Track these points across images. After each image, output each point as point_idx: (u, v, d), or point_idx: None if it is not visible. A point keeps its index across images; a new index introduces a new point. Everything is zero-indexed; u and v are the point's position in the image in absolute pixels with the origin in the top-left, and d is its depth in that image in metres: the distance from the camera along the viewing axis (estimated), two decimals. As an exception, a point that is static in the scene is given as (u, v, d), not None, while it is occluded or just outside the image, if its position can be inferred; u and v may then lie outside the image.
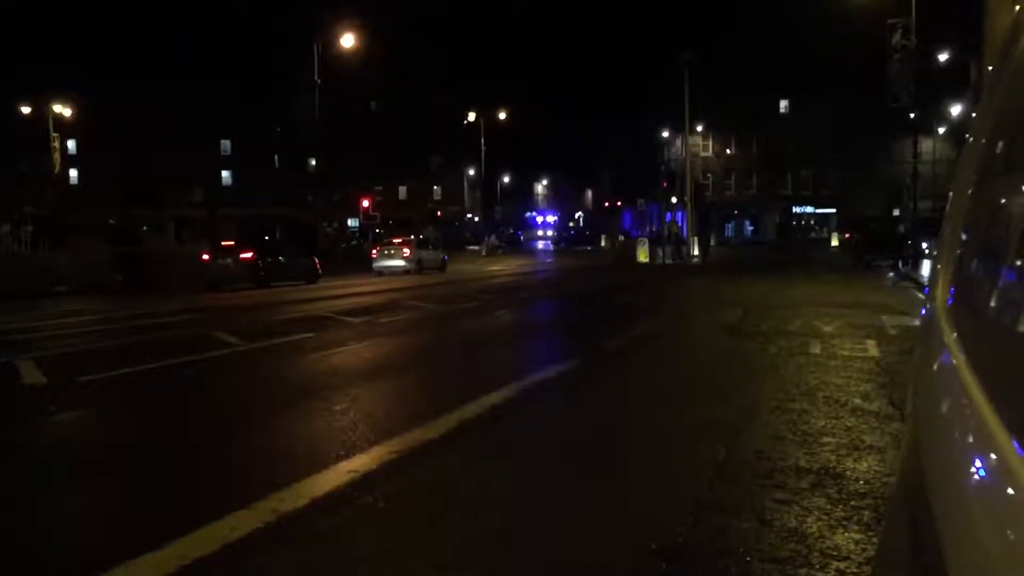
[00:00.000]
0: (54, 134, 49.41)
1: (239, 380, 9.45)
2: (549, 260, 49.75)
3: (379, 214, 55.64)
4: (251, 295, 23.49)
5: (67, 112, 53.09)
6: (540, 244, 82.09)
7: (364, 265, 35.32)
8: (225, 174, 79.76)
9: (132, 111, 67.07)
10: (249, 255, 27.13)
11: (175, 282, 27.83)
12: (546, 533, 4.19)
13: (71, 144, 67.86)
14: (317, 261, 30.60)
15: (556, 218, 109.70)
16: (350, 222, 69.57)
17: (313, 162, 53.47)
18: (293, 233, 42.22)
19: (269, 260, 27.92)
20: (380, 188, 75.00)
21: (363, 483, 4.93)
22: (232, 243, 28.30)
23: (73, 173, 72.67)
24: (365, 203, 51.02)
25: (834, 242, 64.21)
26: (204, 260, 27.74)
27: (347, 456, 5.52)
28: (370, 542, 4.11)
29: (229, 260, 27.07)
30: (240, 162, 78.48)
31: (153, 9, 75.57)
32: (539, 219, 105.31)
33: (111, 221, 42.36)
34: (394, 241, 36.51)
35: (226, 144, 79.53)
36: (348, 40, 39.03)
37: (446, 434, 6.13)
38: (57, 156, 50.28)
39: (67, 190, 64.07)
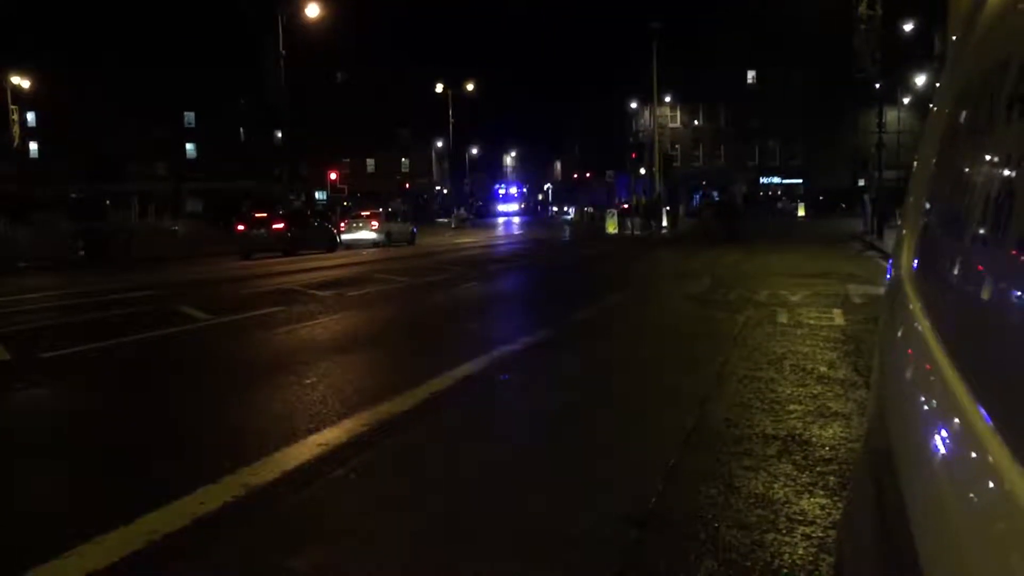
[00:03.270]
0: (12, 106, 48.40)
1: (207, 355, 9.38)
2: (518, 232, 49.71)
3: (347, 187, 55.24)
4: (221, 269, 23.28)
5: (26, 84, 51.96)
6: (502, 219, 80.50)
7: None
8: (189, 147, 78.42)
9: (93, 82, 65.68)
10: (281, 226, 29.53)
11: (140, 257, 27.55)
12: (516, 502, 4.21)
13: (31, 116, 66.55)
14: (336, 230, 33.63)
15: (523, 190, 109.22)
16: (318, 195, 68.95)
17: (279, 134, 52.84)
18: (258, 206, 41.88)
19: (296, 230, 30.11)
20: (348, 161, 74.45)
21: (333, 456, 4.93)
22: (265, 215, 30.43)
23: (33, 146, 71.26)
24: (333, 176, 50.62)
25: (800, 212, 64.78)
26: (239, 231, 29.84)
27: (317, 429, 5.51)
28: (341, 515, 4.11)
29: (263, 231, 29.25)
30: (204, 134, 77.10)
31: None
32: (501, 191, 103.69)
33: (73, 195, 41.56)
34: (363, 214, 36.30)
35: (190, 116, 78.08)
36: (313, 10, 38.48)
37: (416, 406, 6.13)
38: (16, 129, 49.28)
39: (27, 164, 62.84)
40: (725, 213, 35.36)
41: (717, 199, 38.44)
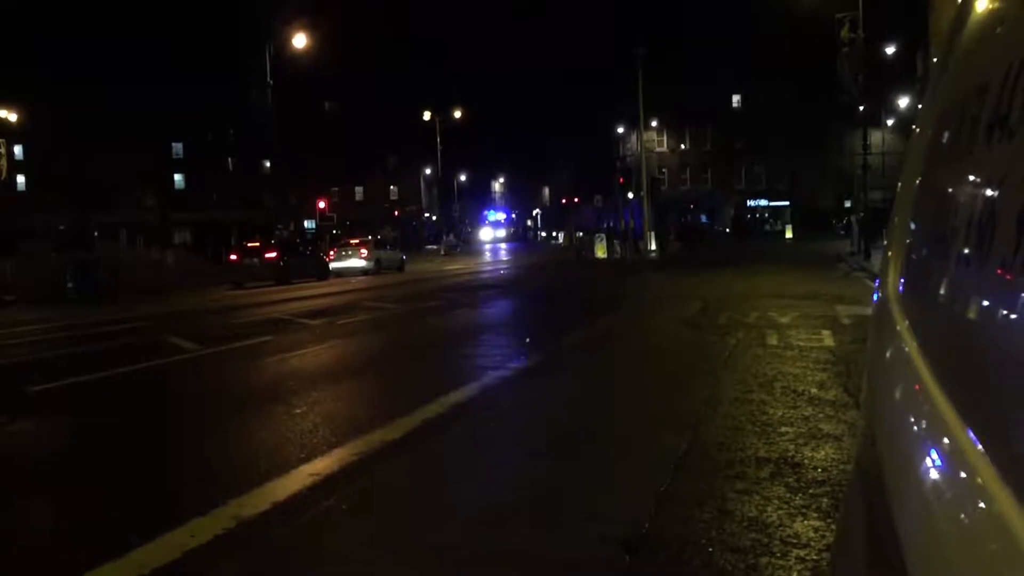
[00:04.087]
0: (0, 139, 48.29)
1: (197, 386, 9.33)
2: (507, 258, 49.76)
3: (336, 215, 55.28)
4: (215, 297, 23.21)
5: (12, 117, 51.92)
6: (488, 246, 79.41)
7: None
8: (178, 177, 78.39)
9: (81, 115, 65.69)
10: (274, 255, 29.38)
11: (129, 288, 27.44)
12: (509, 528, 4.19)
13: (17, 150, 66.44)
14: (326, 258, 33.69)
15: (512, 216, 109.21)
16: (307, 223, 68.94)
17: (268, 164, 52.89)
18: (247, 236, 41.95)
19: (288, 259, 30.01)
20: (337, 189, 74.55)
21: (324, 486, 4.90)
22: (257, 244, 30.34)
23: (20, 179, 71.10)
24: (322, 204, 50.67)
25: (788, 234, 65.12)
26: (232, 260, 29.86)
27: (308, 459, 5.47)
28: (332, 546, 4.08)
29: (255, 260, 29.12)
30: (193, 165, 77.12)
31: (102, 10, 74.30)
32: (490, 216, 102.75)
33: (61, 227, 41.43)
34: (352, 242, 36.30)
35: (178, 147, 78.14)
36: (301, 40, 38.67)
37: (408, 435, 6.10)
38: (3, 162, 49.18)
39: (14, 196, 62.68)
40: (687, 235, 37.42)
41: (680, 223, 40.76)
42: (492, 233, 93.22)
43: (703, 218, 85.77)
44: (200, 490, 4.96)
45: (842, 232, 41.47)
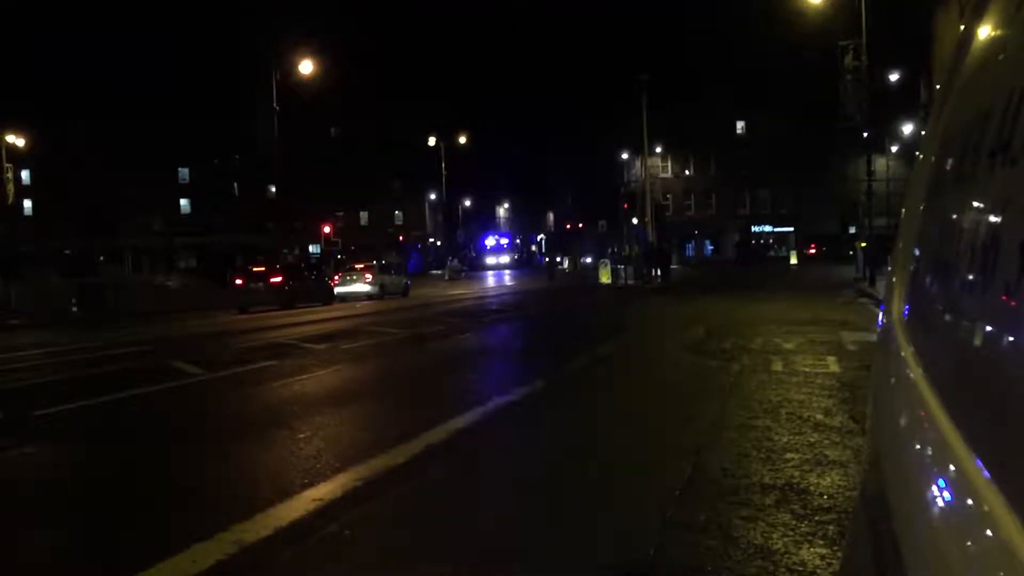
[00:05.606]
0: (7, 164, 48.57)
1: (200, 411, 9.31)
2: (511, 283, 49.77)
3: (340, 240, 55.35)
4: (219, 322, 23.23)
5: (20, 142, 52.26)
6: (491, 272, 77.86)
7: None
8: (183, 202, 78.86)
9: (88, 140, 66.20)
10: (279, 279, 29.35)
11: (133, 312, 27.51)
12: (514, 555, 4.16)
13: (24, 174, 66.82)
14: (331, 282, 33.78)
15: (516, 240, 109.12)
16: (311, 248, 69.04)
17: (273, 189, 53.09)
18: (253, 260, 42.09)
19: (293, 284, 29.94)
20: (341, 214, 74.68)
21: (327, 512, 4.87)
22: (263, 268, 30.35)
23: (27, 204, 71.48)
24: (326, 229, 50.74)
25: (793, 260, 65.10)
26: (237, 285, 29.73)
27: (311, 484, 5.45)
28: (334, 572, 4.05)
29: (260, 284, 29.12)
30: (198, 190, 77.59)
31: (108, 35, 74.97)
32: (490, 241, 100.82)
33: (66, 252, 41.63)
34: (356, 267, 36.38)
35: (184, 172, 78.66)
36: (307, 67, 38.94)
37: (411, 460, 6.08)
38: (11, 187, 49.43)
39: (20, 221, 62.93)
40: (654, 258, 40.66)
41: (648, 246, 42.75)
42: (495, 259, 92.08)
43: (707, 244, 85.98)
44: (202, 515, 4.94)
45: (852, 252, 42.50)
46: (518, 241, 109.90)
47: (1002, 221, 0.71)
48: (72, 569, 4.28)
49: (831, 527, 4.25)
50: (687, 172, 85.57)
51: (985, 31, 1.04)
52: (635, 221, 47.48)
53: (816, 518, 4.41)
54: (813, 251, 73.65)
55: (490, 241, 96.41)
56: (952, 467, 0.72)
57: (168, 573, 3.95)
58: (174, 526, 4.82)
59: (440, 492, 5.44)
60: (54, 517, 5.32)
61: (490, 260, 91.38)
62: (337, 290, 33.82)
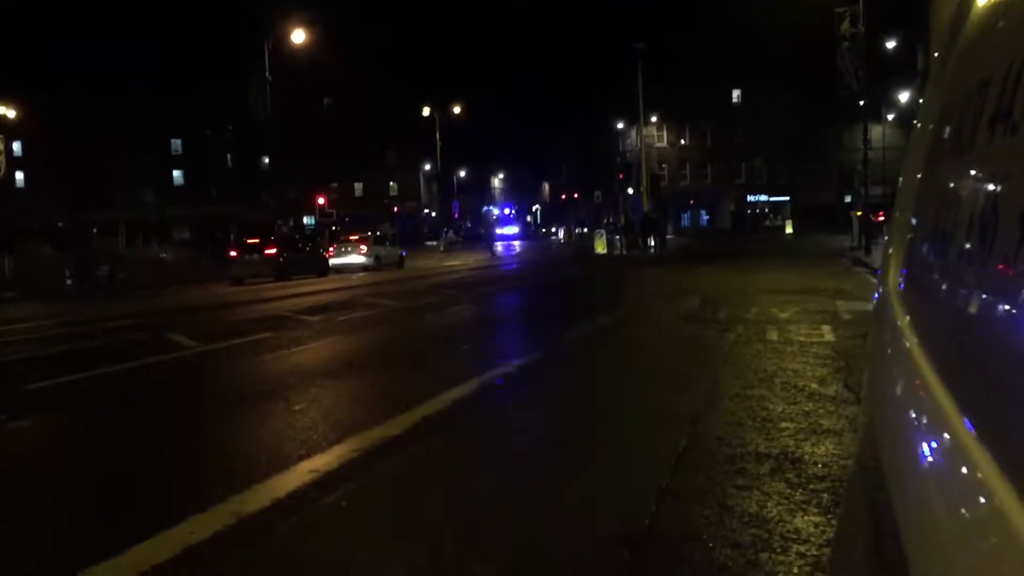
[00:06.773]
0: (-2, 136, 48.26)
1: (196, 383, 9.33)
2: (507, 254, 49.73)
3: (335, 211, 55.25)
4: (214, 294, 23.21)
5: (11, 114, 51.91)
6: (494, 241, 77.62)
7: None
8: (176, 173, 78.40)
9: (80, 111, 65.74)
10: (273, 251, 29.30)
11: (128, 285, 27.48)
12: (510, 525, 4.19)
13: (16, 146, 66.39)
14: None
15: (512, 210, 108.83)
16: (306, 220, 68.88)
17: (267, 160, 52.84)
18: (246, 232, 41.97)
19: (288, 255, 29.89)
20: (336, 185, 74.48)
21: (324, 483, 4.90)
22: (257, 240, 30.13)
23: (19, 176, 71.07)
24: (321, 200, 50.65)
25: (788, 229, 65.11)
26: (231, 256, 29.77)
27: (308, 456, 5.47)
28: (333, 543, 4.08)
29: (255, 256, 29.08)
30: (192, 161, 77.15)
31: (100, 6, 74.24)
32: (503, 213, 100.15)
33: (60, 224, 41.45)
34: (351, 238, 36.29)
35: (176, 143, 78.13)
36: (299, 36, 38.62)
37: (408, 431, 6.11)
38: (2, 159, 49.14)
39: (13, 194, 62.64)
40: (649, 227, 40.92)
41: (643, 215, 42.75)
42: (503, 230, 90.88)
43: (703, 214, 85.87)
44: (200, 487, 4.97)
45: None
46: (513, 212, 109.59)
47: (1001, 190, 0.70)
48: (67, 540, 4.30)
49: (826, 495, 4.29)
50: (683, 142, 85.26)
51: (984, -3, 1.03)
52: (631, 191, 47.42)
53: (811, 486, 4.44)
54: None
55: (497, 212, 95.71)
56: (946, 435, 0.73)
57: (165, 544, 3.97)
58: (172, 497, 4.84)
59: (435, 463, 5.47)
60: (48, 489, 5.34)
61: (496, 232, 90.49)
62: (332, 262, 33.74)
